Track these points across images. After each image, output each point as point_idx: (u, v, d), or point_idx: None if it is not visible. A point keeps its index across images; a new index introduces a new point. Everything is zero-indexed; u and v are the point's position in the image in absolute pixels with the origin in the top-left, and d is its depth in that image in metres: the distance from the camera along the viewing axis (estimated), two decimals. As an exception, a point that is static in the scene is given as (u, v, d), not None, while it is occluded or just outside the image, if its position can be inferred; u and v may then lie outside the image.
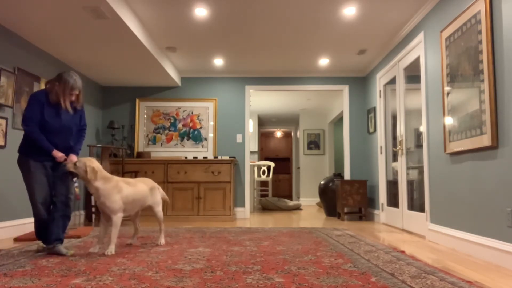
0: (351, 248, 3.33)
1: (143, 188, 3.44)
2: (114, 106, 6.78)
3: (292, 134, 12.28)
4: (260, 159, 13.94)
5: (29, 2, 3.65)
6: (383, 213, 5.75)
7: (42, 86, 4.82)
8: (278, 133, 14.78)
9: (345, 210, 6.25)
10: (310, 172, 10.47)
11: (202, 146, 6.66)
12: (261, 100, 9.09)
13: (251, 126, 9.80)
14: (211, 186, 6.10)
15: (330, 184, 6.84)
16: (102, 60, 5.40)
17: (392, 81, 5.40)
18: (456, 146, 3.48)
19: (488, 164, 3.04)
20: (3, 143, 4.14)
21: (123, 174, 5.80)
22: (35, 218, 3.22)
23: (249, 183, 6.72)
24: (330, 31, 4.86)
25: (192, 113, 6.73)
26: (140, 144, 6.67)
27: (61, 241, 3.21)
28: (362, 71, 6.65)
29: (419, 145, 4.67)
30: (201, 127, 6.70)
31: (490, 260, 2.98)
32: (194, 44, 5.35)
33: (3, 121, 4.13)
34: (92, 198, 5.48)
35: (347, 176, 6.65)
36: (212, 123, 6.70)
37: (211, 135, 6.68)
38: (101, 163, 5.47)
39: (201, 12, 4.31)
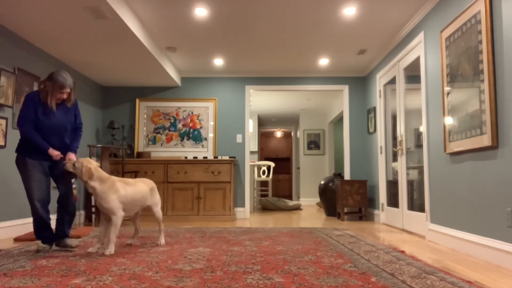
0: (351, 248, 3.33)
1: (143, 188, 3.44)
2: (114, 106, 6.78)
3: (292, 134, 12.28)
4: (260, 159, 13.94)
5: (29, 2, 3.65)
6: (383, 213, 5.75)
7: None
8: (278, 133, 14.78)
9: (345, 210, 6.25)
10: (310, 172, 10.47)
11: (202, 146, 6.66)
12: (261, 100, 9.09)
13: (251, 126, 9.80)
14: (211, 186, 6.10)
15: (330, 184, 6.84)
16: (102, 60, 5.40)
17: (392, 81, 5.40)
18: (456, 146, 3.48)
19: (488, 164, 3.04)
20: (3, 143, 4.14)
21: (123, 174, 5.80)
22: (33, 216, 3.25)
23: (249, 183, 6.72)
24: (330, 31, 4.86)
25: (192, 113, 6.73)
26: (140, 144, 6.67)
27: (67, 236, 3.39)
28: (362, 71, 6.65)
29: (419, 145, 4.67)
30: (201, 127, 6.70)
31: (490, 260, 2.98)
32: (194, 44, 5.35)
33: (3, 121, 4.14)
34: (92, 198, 5.48)
35: (347, 176, 6.65)
36: (212, 123, 6.70)
37: (211, 135, 6.68)
38: (101, 163, 5.47)
39: (201, 12, 4.31)
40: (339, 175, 7.00)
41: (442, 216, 3.85)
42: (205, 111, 6.73)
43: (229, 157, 6.28)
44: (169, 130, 6.71)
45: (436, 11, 4.01)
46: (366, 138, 6.59)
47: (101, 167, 5.31)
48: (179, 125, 6.71)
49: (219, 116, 6.74)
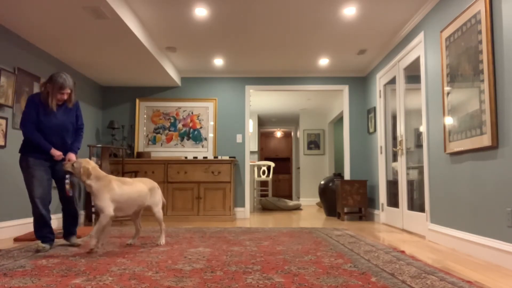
0: (351, 248, 3.33)
1: (140, 188, 3.42)
2: (114, 106, 6.78)
3: (292, 134, 12.28)
4: (260, 159, 13.94)
5: (29, 2, 3.65)
6: (383, 213, 5.75)
7: (42, 86, 4.83)
8: (278, 133, 14.78)
9: (345, 210, 6.25)
10: (310, 172, 10.47)
11: (202, 146, 6.66)
12: (261, 100, 9.09)
13: (251, 126, 9.80)
14: (211, 186, 6.10)
15: (330, 184, 6.84)
16: (102, 60, 5.40)
17: (392, 81, 5.40)
18: (456, 146, 3.48)
19: (488, 164, 3.04)
20: (3, 143, 4.14)
21: (123, 174, 5.80)
22: (34, 215, 3.31)
23: (249, 183, 6.72)
24: (330, 31, 4.87)
25: (192, 113, 6.73)
26: (140, 144, 6.67)
27: (74, 234, 3.59)
28: (362, 71, 6.65)
29: (419, 145, 4.67)
30: (201, 127, 6.70)
31: (490, 260, 2.98)
32: (194, 44, 5.35)
33: (3, 121, 4.14)
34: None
35: (347, 176, 6.65)
36: (212, 123, 6.70)
37: (211, 135, 6.68)
38: (101, 163, 5.47)
39: (201, 12, 4.31)
40: (339, 175, 7.00)
41: (442, 216, 3.85)
42: (205, 111, 6.73)
43: (229, 157, 6.28)
44: (169, 130, 6.71)
45: (436, 11, 4.01)
46: (366, 138, 6.59)
47: (101, 167, 5.32)
48: (179, 125, 6.71)
49: (219, 116, 6.74)
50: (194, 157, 6.38)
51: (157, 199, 3.60)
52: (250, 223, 5.80)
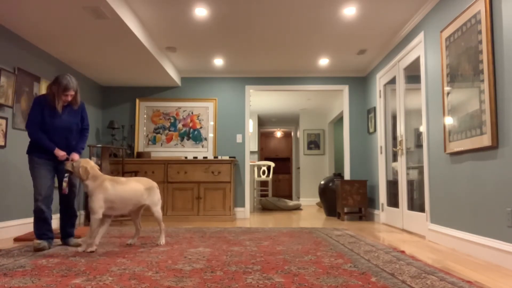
0: (351, 248, 3.33)
1: (135, 187, 3.42)
2: (114, 106, 6.78)
3: (292, 134, 12.28)
4: (260, 159, 13.94)
5: (29, 2, 3.65)
6: (383, 213, 5.75)
7: (42, 86, 4.83)
8: (278, 133, 14.78)
9: (345, 210, 6.25)
10: (310, 172, 10.47)
11: (202, 146, 6.67)
12: (261, 100, 9.09)
13: (251, 126, 9.80)
14: (211, 186, 6.10)
15: (330, 184, 6.84)
16: (102, 60, 5.40)
17: (392, 81, 5.40)
18: (456, 146, 3.48)
19: (488, 164, 3.04)
20: (3, 143, 4.14)
21: (123, 174, 5.81)
22: (35, 213, 3.37)
23: (249, 183, 6.72)
24: (330, 31, 4.87)
25: (192, 113, 6.73)
26: (140, 144, 6.67)
27: (72, 236, 3.61)
28: (362, 71, 6.65)
29: (419, 145, 4.67)
30: (201, 127, 6.70)
31: (490, 260, 2.98)
32: (194, 44, 5.35)
33: (3, 121, 4.13)
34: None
35: (347, 176, 6.65)
36: (212, 123, 6.70)
37: (211, 135, 6.68)
38: (101, 163, 5.47)
39: (201, 12, 4.31)
40: (339, 175, 7.00)
41: (442, 216, 3.85)
42: (205, 111, 6.73)
43: (229, 157, 6.28)
44: (169, 130, 6.71)
45: (436, 11, 4.01)
46: (366, 138, 6.59)
47: (101, 167, 5.32)
48: (179, 125, 6.71)
49: (219, 116, 6.74)
50: (194, 157, 6.38)
51: (156, 199, 3.59)
52: (250, 223, 5.80)
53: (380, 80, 5.90)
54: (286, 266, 2.65)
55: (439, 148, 3.89)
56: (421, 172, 4.55)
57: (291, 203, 8.62)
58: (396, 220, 5.20)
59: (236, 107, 6.73)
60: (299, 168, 10.92)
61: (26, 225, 4.48)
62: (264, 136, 14.83)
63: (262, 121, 12.06)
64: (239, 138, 6.67)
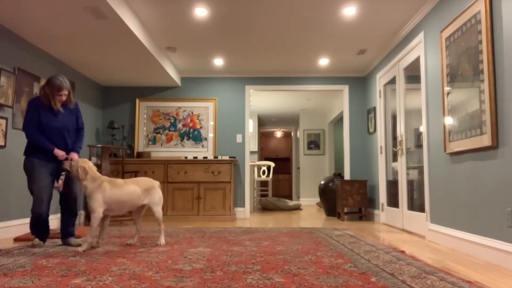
0: (351, 248, 3.33)
1: (131, 190, 3.43)
2: (114, 106, 6.78)
3: (292, 134, 12.28)
4: (260, 159, 13.94)
5: (29, 2, 3.65)
6: (383, 213, 5.75)
7: (42, 86, 4.83)
8: (278, 133, 14.78)
9: (345, 210, 6.25)
10: (310, 172, 10.47)
11: (202, 146, 6.67)
12: (261, 100, 9.09)
13: (251, 126, 9.80)
14: (211, 186, 6.10)
15: (330, 184, 6.84)
16: (102, 60, 5.40)
17: (392, 81, 5.40)
18: (456, 146, 3.48)
19: (488, 164, 3.04)
20: (3, 143, 4.14)
21: (123, 174, 5.81)
22: (33, 214, 3.40)
23: (249, 183, 6.72)
24: (330, 31, 4.87)
25: (192, 113, 6.73)
26: (140, 144, 6.67)
27: (72, 235, 3.62)
28: (362, 71, 6.65)
29: (419, 145, 4.67)
30: (201, 127, 6.70)
31: (490, 260, 2.98)
32: (194, 44, 5.35)
33: (3, 121, 4.14)
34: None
35: (347, 176, 6.65)
36: (212, 123, 6.70)
37: (211, 135, 6.68)
38: (101, 163, 5.47)
39: (201, 12, 4.31)
40: (339, 175, 7.00)
41: (442, 216, 3.85)
42: (205, 111, 6.73)
43: (229, 157, 6.28)
44: (169, 130, 6.71)
45: (436, 11, 4.01)
46: (366, 138, 6.59)
47: (101, 167, 5.32)
48: (179, 125, 6.71)
49: (219, 116, 6.74)
50: (194, 157, 6.38)
51: (157, 199, 3.59)
52: (250, 223, 5.80)
53: (380, 80, 5.90)
54: (286, 266, 2.65)
55: (439, 148, 3.89)
56: (421, 172, 4.55)
57: (291, 203, 8.62)
58: (396, 220, 5.20)
59: (236, 107, 6.73)
60: (299, 168, 10.92)
61: (26, 225, 4.47)
62: (264, 136, 14.83)
63: (262, 121, 12.06)
64: (239, 138, 6.67)
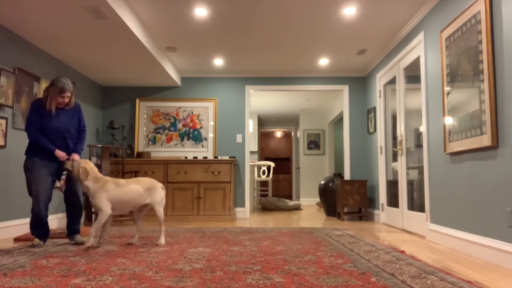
0: (351, 248, 3.33)
1: (133, 189, 3.48)
2: (114, 106, 6.78)
3: (292, 134, 12.28)
4: (260, 159, 13.94)
5: (29, 2, 3.65)
6: (383, 213, 5.75)
7: (42, 86, 4.83)
8: (278, 133, 14.78)
9: (345, 210, 6.25)
10: (310, 172, 10.47)
11: (202, 146, 6.66)
12: (261, 100, 9.09)
13: (251, 126, 9.80)
14: (211, 186, 6.10)
15: (330, 184, 6.84)
16: (102, 60, 5.40)
17: (392, 81, 5.40)
18: (456, 146, 3.48)
19: (488, 164, 3.04)
20: (3, 143, 4.14)
21: (123, 174, 5.80)
22: (33, 213, 3.43)
23: (249, 183, 6.72)
24: (330, 31, 4.87)
25: (192, 113, 6.73)
26: (140, 144, 6.67)
27: (77, 232, 3.69)
28: (362, 71, 6.65)
29: (419, 145, 4.67)
30: (201, 127, 6.70)
31: (490, 260, 2.98)
32: (194, 44, 5.35)
33: (3, 121, 4.13)
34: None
35: (347, 176, 6.65)
36: (212, 123, 6.70)
37: (211, 135, 6.68)
38: (101, 163, 5.47)
39: (201, 12, 4.31)
40: (339, 175, 7.00)
41: (442, 216, 3.85)
42: (205, 111, 6.73)
43: (229, 157, 6.28)
44: (169, 130, 6.71)
45: (436, 11, 4.01)
46: (366, 138, 6.59)
47: (101, 167, 5.31)
48: (179, 125, 6.71)
49: (219, 116, 6.74)
50: (194, 157, 6.38)
51: (159, 199, 3.63)
52: (250, 223, 5.80)
53: (380, 80, 5.90)
54: (286, 266, 2.65)
55: (439, 148, 3.89)
56: (421, 172, 4.55)
57: (291, 203, 8.62)
58: (396, 220, 5.20)
59: (236, 107, 6.73)
60: (299, 168, 10.92)
61: (26, 225, 4.47)
62: (264, 136, 14.83)
63: (262, 121, 12.06)
64: (239, 138, 6.67)
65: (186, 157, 6.38)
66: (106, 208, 3.34)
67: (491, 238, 3.00)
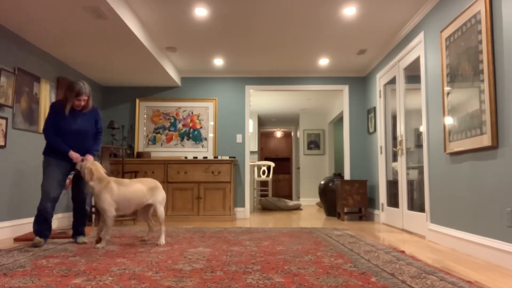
0: (351, 248, 3.33)
1: (137, 188, 3.56)
2: (114, 106, 6.78)
3: (292, 134, 12.28)
4: (260, 159, 13.94)
5: (30, 2, 3.65)
6: (383, 213, 5.75)
7: (42, 86, 4.84)
8: (278, 133, 14.78)
9: (345, 210, 6.25)
10: (310, 172, 10.47)
11: (202, 146, 6.66)
12: (261, 100, 9.09)
13: (251, 126, 9.80)
14: (211, 186, 6.10)
15: (330, 184, 6.84)
16: (102, 60, 5.40)
17: (392, 81, 5.40)
18: (456, 146, 3.48)
19: (488, 164, 3.04)
20: (3, 143, 4.14)
21: (123, 174, 5.81)
22: (38, 210, 3.50)
23: (249, 183, 6.72)
24: (330, 31, 4.87)
25: (192, 113, 6.73)
26: (140, 144, 6.67)
27: (82, 234, 3.80)
28: (362, 71, 6.65)
29: (419, 145, 4.67)
30: (201, 127, 6.70)
31: (490, 260, 2.98)
32: (194, 44, 5.35)
33: (3, 121, 4.13)
34: (93, 198, 5.48)
35: (347, 176, 6.65)
36: (212, 123, 6.70)
37: (211, 135, 6.68)
38: (101, 163, 5.47)
39: (201, 12, 4.31)
40: (339, 175, 7.00)
41: (442, 216, 3.85)
42: (205, 111, 6.73)
43: (229, 157, 6.28)
44: (169, 130, 6.71)
45: (436, 11, 4.01)
46: (366, 138, 6.59)
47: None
48: (179, 125, 6.71)
49: (219, 116, 6.74)
50: (194, 157, 6.38)
51: (160, 198, 3.71)
52: (250, 223, 5.80)
53: (380, 80, 5.90)
54: (286, 266, 2.65)
55: (439, 148, 3.89)
56: (421, 172, 4.55)
57: (291, 203, 8.62)
58: (396, 220, 5.20)
59: (236, 107, 6.73)
60: (299, 168, 10.92)
61: (26, 225, 4.48)
62: (264, 136, 14.84)
63: (262, 121, 12.06)
64: (239, 138, 6.67)
65: (186, 157, 6.38)
66: (110, 209, 3.40)
67: (491, 238, 3.00)
